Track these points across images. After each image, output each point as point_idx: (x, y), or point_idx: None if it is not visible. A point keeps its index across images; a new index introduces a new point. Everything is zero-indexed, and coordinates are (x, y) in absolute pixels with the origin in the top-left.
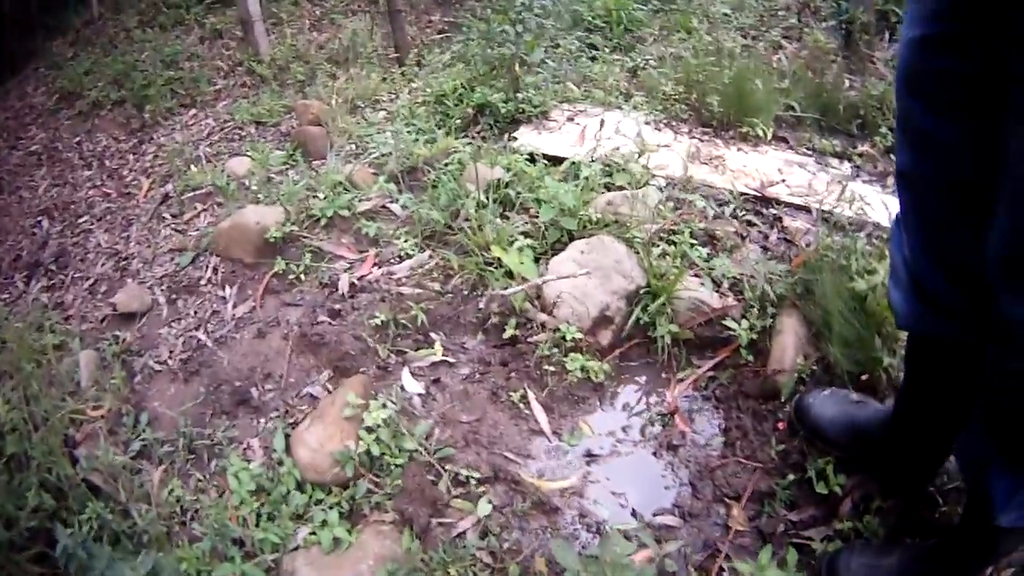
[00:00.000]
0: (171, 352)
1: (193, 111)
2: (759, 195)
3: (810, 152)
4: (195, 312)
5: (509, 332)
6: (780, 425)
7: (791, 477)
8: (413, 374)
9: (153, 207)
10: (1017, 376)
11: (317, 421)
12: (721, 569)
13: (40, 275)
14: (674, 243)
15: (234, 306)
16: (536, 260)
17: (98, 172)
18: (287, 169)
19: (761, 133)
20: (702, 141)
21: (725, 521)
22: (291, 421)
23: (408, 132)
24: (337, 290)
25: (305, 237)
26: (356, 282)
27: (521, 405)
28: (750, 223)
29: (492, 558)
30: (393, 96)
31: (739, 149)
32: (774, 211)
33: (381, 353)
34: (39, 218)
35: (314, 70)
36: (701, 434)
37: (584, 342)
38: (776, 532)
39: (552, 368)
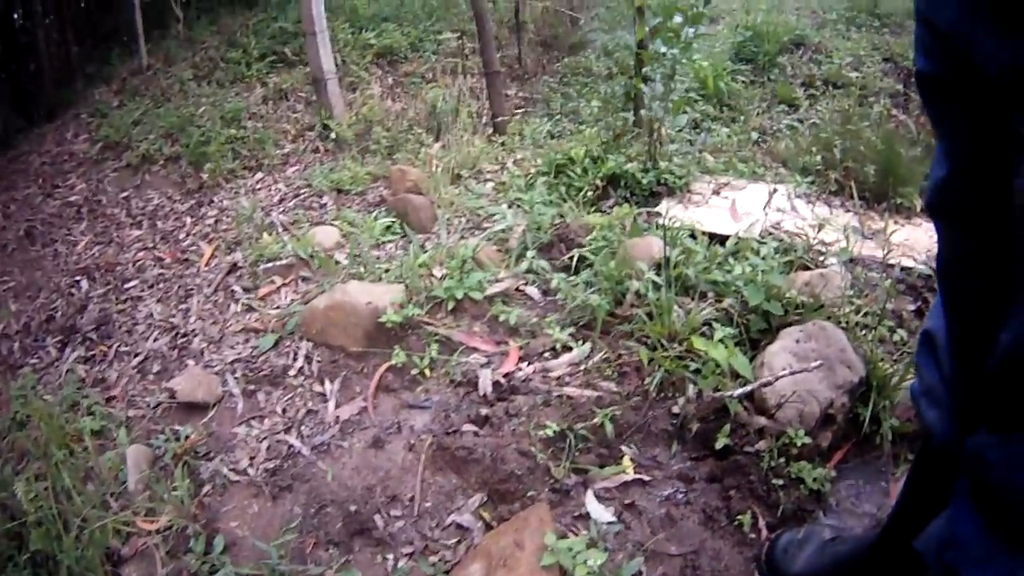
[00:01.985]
0: (252, 459)
1: (259, 175)
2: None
3: None
4: (283, 410)
5: (721, 441)
6: None
7: None
8: (599, 498)
9: (218, 277)
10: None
11: (504, 572)
12: None
13: (77, 343)
14: (874, 327)
15: (337, 405)
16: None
17: (149, 232)
18: (387, 242)
19: (912, 204)
20: (857, 214)
21: None
22: (433, 560)
23: (531, 205)
24: (477, 390)
25: (428, 323)
26: (502, 381)
27: (747, 529)
28: (927, 301)
29: None
30: (498, 166)
31: (896, 222)
32: None
33: (555, 472)
34: (77, 277)
35: (398, 137)
36: None
37: (808, 448)
38: None
39: (781, 481)
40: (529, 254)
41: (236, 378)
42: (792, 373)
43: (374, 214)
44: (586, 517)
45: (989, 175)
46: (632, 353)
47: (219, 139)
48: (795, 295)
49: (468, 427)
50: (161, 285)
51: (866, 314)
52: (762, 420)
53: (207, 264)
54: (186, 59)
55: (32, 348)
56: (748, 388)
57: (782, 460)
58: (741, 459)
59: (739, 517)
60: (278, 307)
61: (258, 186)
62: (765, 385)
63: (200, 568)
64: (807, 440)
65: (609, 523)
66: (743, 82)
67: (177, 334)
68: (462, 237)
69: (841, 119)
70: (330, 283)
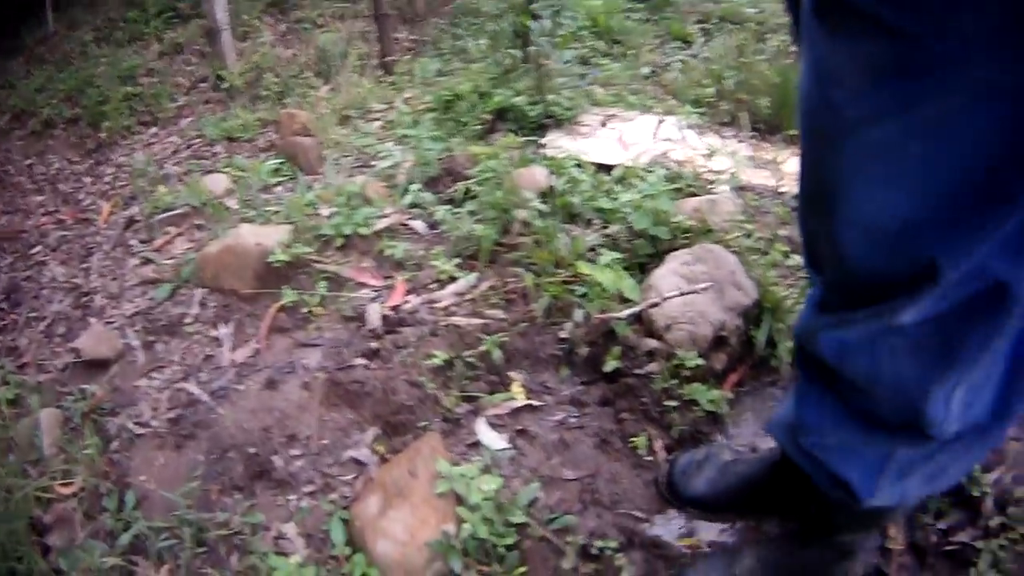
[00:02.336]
0: (155, 410)
1: (154, 129)
2: None
3: None
4: (181, 358)
5: (611, 364)
6: None
7: None
8: (491, 425)
9: (116, 233)
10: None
11: (400, 501)
12: None
13: None
14: (767, 252)
15: (232, 349)
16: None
17: (51, 197)
18: (276, 185)
19: None
20: (749, 145)
21: (882, 543)
22: (333, 497)
23: (418, 141)
24: (365, 325)
25: (317, 261)
26: (391, 314)
27: (642, 451)
28: None
29: None
30: (387, 105)
31: (793, 153)
32: None
33: (446, 402)
34: None
35: (288, 82)
36: None
37: (702, 369)
38: (930, 544)
39: (675, 403)
40: (413, 187)
41: (136, 331)
42: (682, 294)
43: (262, 158)
44: (478, 445)
45: None
46: (518, 280)
47: (116, 98)
48: (683, 220)
49: (360, 361)
50: (64, 247)
51: (759, 239)
52: (652, 342)
53: (106, 221)
54: (88, 22)
55: None
56: (636, 309)
57: (674, 382)
58: (632, 382)
59: (633, 440)
60: (173, 257)
61: (153, 140)
62: (653, 306)
63: (115, 526)
64: (699, 362)
65: (502, 449)
66: (637, 20)
67: (80, 294)
68: (350, 175)
69: (736, 53)
70: (223, 229)
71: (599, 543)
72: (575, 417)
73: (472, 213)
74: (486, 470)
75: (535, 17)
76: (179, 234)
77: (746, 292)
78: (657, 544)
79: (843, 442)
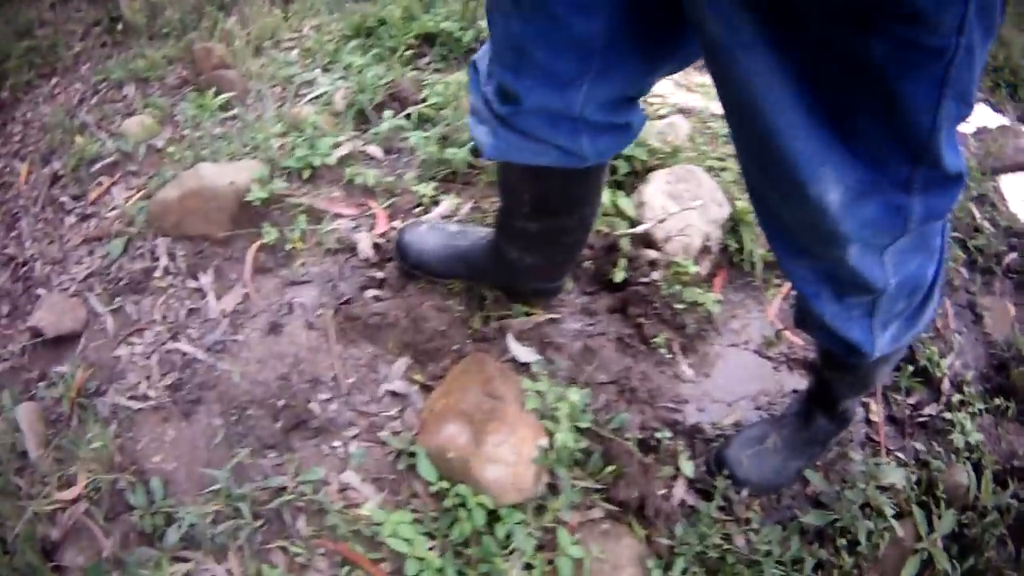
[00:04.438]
0: (148, 379)
1: (55, 80)
2: None
3: None
4: (162, 317)
5: (619, 275)
6: None
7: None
8: (519, 340)
9: (42, 192)
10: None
11: (496, 425)
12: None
13: None
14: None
15: (218, 298)
16: None
17: None
18: (205, 121)
19: None
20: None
21: (867, 416)
22: (383, 435)
23: (348, 68)
24: (356, 255)
25: (289, 195)
26: (382, 242)
27: (663, 351)
28: None
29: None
30: (298, 34)
31: None
32: None
33: (473, 323)
34: None
35: (186, 17)
36: (811, 344)
37: (695, 276)
38: (905, 416)
39: (682, 306)
40: (368, 114)
41: (97, 295)
42: (683, 211)
43: (184, 94)
44: (514, 361)
45: None
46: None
47: (15, 53)
48: (652, 143)
49: (371, 293)
50: None
51: (718, 158)
52: (653, 253)
53: (26, 181)
54: None
55: None
56: (648, 226)
57: (677, 287)
58: (640, 289)
59: (654, 340)
60: (114, 208)
61: (56, 92)
62: (661, 221)
63: (151, 523)
64: (696, 268)
65: (536, 362)
66: None
67: (16, 265)
68: (281, 106)
69: None
70: (169, 172)
71: (657, 435)
72: (590, 325)
73: (444, 137)
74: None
75: None
76: (113, 183)
77: (723, 206)
78: (698, 429)
79: (837, 314)
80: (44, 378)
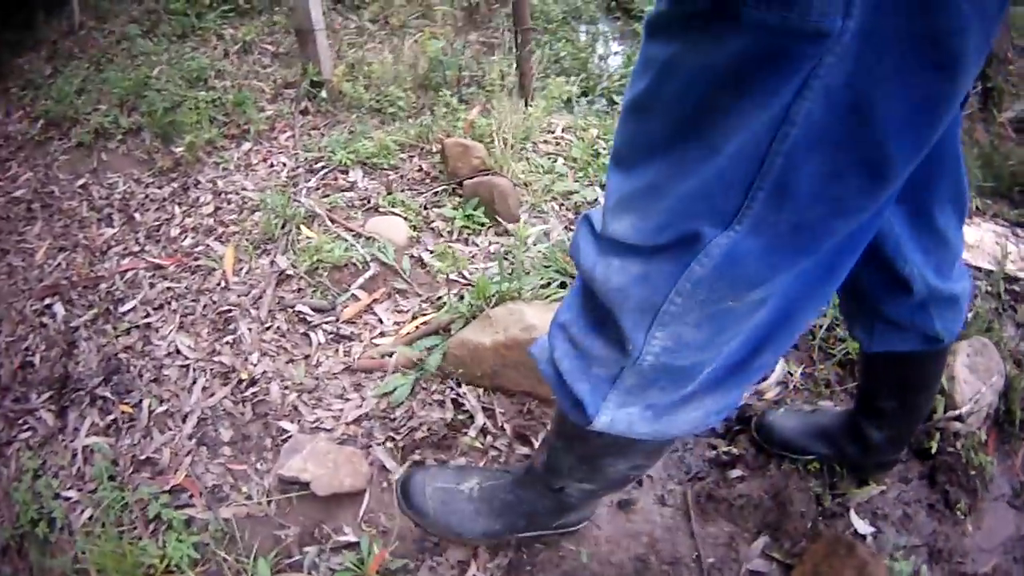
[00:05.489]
0: (475, 558)
1: (247, 144)
2: None
3: None
4: None
5: (934, 446)
6: None
7: None
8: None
9: (265, 292)
10: None
11: None
12: None
13: (83, 402)
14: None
15: None
16: None
17: (126, 230)
18: (479, 238)
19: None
20: None
21: None
22: None
23: None
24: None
25: None
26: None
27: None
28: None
29: None
30: (551, 136)
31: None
32: None
33: (826, 500)
34: (46, 300)
35: (409, 97)
36: None
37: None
38: None
39: (973, 472)
40: None
41: (384, 448)
42: (986, 389)
43: (426, 199)
44: (856, 533)
45: None
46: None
47: (188, 104)
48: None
49: (734, 473)
50: (174, 305)
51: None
52: (959, 425)
53: (235, 273)
54: (123, 13)
55: (15, 414)
56: (968, 408)
57: (971, 455)
58: (947, 459)
59: (957, 505)
60: (381, 334)
61: (252, 159)
62: (971, 413)
63: None
64: (984, 437)
65: (871, 533)
66: None
67: (238, 381)
68: (566, 228)
69: None
70: (465, 305)
71: None
72: (906, 492)
73: None
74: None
75: None
76: (375, 301)
77: (1001, 375)
78: None
79: (583, 354)
80: (310, 541)
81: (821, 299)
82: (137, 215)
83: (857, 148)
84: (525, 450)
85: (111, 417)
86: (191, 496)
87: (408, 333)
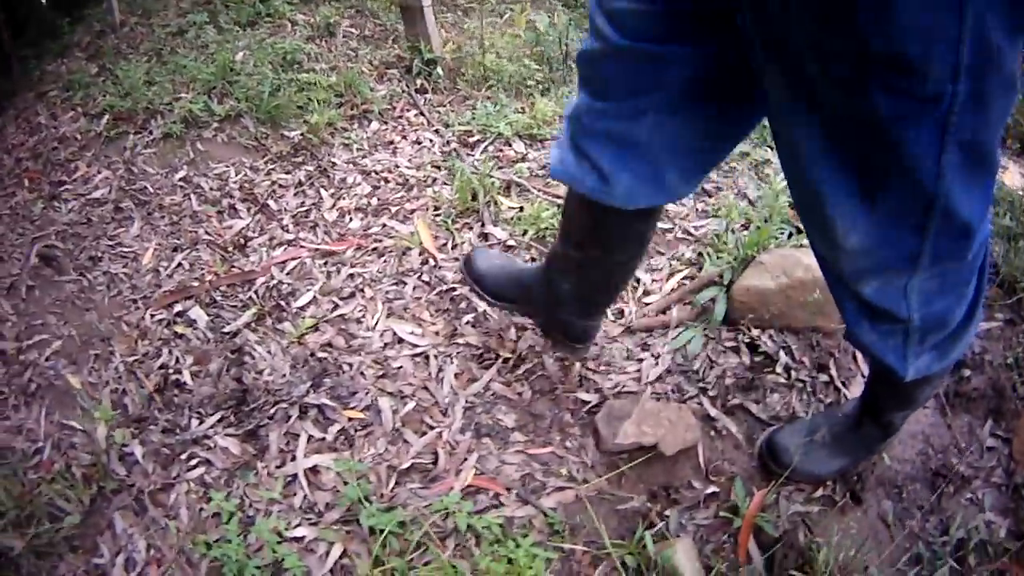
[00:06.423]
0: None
1: (375, 124)
2: None
3: None
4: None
5: None
6: None
7: None
8: None
9: None
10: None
11: None
12: None
13: (290, 416)
14: None
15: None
16: None
17: (263, 219)
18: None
19: None
20: None
21: None
22: None
23: None
24: None
25: None
26: None
27: None
28: None
29: None
30: None
31: None
32: None
33: None
34: (174, 306)
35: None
36: None
37: None
38: None
39: None
40: None
41: (704, 398)
42: None
43: None
44: None
45: None
46: None
47: (292, 88)
48: None
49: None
50: (368, 292)
51: None
52: None
53: (438, 249)
54: (170, 7)
55: (171, 448)
56: None
57: None
58: None
59: None
60: (645, 292)
61: (387, 138)
62: None
63: None
64: None
65: None
66: None
67: (504, 360)
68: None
69: None
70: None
71: None
72: None
73: None
74: None
75: None
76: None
77: None
78: None
79: (875, 342)
80: (666, 504)
81: None
82: (271, 203)
83: None
84: (824, 377)
85: (336, 427)
86: (496, 495)
87: (673, 290)
